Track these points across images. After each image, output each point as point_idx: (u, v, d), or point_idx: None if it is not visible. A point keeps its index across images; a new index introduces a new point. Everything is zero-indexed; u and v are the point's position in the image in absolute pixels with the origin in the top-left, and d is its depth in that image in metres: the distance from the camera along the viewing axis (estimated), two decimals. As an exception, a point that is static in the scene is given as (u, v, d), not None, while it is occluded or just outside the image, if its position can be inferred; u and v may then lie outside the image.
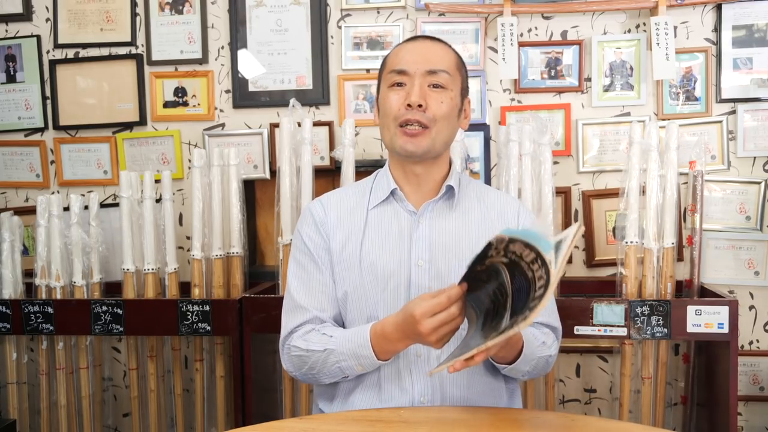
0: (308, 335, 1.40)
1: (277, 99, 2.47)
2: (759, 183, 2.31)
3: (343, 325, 1.47)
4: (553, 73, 2.38)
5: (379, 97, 1.45)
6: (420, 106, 1.35)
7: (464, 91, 1.45)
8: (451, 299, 1.17)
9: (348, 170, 2.14)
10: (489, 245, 1.09)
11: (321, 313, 1.43)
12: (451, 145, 1.47)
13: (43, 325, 2.19)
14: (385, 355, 1.32)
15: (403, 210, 1.44)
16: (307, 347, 1.38)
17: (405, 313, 1.23)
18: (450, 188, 1.44)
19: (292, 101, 2.20)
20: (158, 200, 2.27)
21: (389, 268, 1.40)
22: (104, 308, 2.16)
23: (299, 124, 2.21)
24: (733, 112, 2.33)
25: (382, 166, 1.51)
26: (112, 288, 2.34)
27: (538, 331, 1.44)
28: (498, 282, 1.14)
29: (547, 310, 1.46)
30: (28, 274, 2.35)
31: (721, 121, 2.33)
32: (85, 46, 2.54)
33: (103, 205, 2.41)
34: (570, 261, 2.40)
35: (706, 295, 2.10)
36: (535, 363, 1.38)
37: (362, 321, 1.41)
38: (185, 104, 2.51)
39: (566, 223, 2.38)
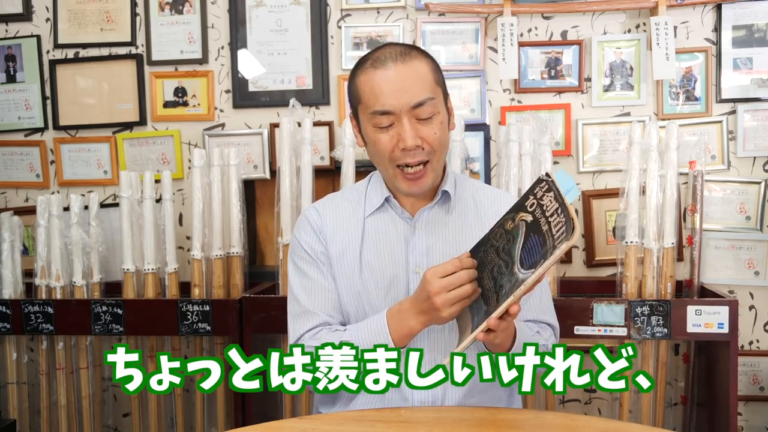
0: (319, 334, 1.38)
1: (277, 99, 2.47)
2: (759, 183, 2.31)
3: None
4: (553, 73, 2.38)
5: (362, 131, 1.38)
6: (417, 145, 1.30)
7: (446, 96, 1.39)
8: (462, 262, 1.19)
9: (348, 170, 2.15)
10: (538, 181, 1.15)
11: (330, 318, 1.41)
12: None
13: (43, 325, 2.19)
14: (400, 340, 1.29)
15: (398, 217, 1.42)
16: (320, 344, 1.33)
17: (420, 283, 1.24)
18: (445, 193, 1.42)
19: (292, 101, 2.20)
20: (158, 200, 2.27)
21: (388, 276, 1.39)
22: (104, 308, 2.16)
23: (299, 124, 2.21)
24: (733, 112, 2.33)
25: None
26: (112, 288, 2.34)
27: (534, 323, 1.44)
28: (506, 251, 1.16)
29: (543, 308, 1.45)
30: (28, 274, 2.35)
31: (721, 121, 2.33)
32: (85, 46, 2.54)
33: (103, 205, 2.41)
34: (570, 261, 2.40)
35: (706, 295, 2.10)
36: None
37: None
38: (185, 104, 2.51)
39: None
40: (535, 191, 1.16)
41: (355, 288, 1.40)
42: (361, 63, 1.36)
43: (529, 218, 1.15)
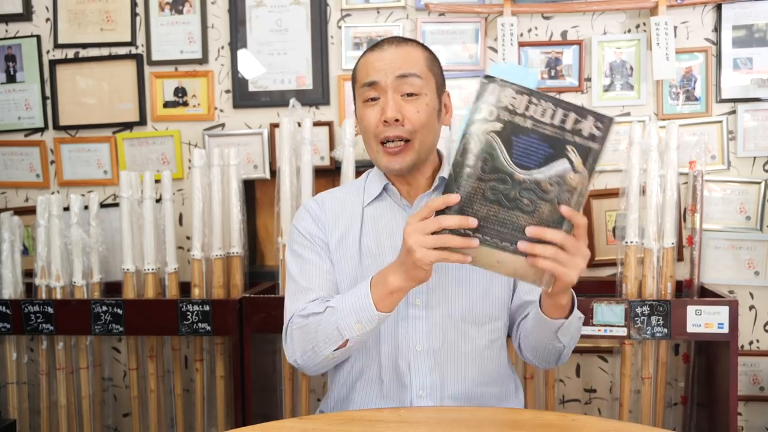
0: (308, 306, 1.36)
1: (277, 99, 2.47)
2: (759, 183, 2.31)
3: None
4: (553, 73, 2.38)
5: (357, 112, 1.42)
6: (397, 120, 1.32)
7: (440, 88, 1.40)
8: (431, 206, 1.11)
9: (348, 170, 2.15)
10: (482, 86, 1.05)
11: (327, 296, 1.39)
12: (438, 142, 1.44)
13: (43, 325, 2.19)
14: (380, 300, 1.23)
15: (396, 204, 1.43)
16: (307, 313, 1.34)
17: None
18: (443, 179, 1.41)
19: (292, 101, 2.20)
20: (158, 200, 2.27)
21: (387, 263, 1.36)
22: (104, 308, 2.16)
23: (299, 124, 2.21)
24: (733, 112, 2.33)
25: None
26: (112, 288, 2.34)
27: None
28: (490, 170, 1.07)
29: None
30: (28, 274, 2.35)
31: (721, 121, 2.33)
32: (85, 46, 2.54)
33: (103, 205, 2.41)
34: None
35: (706, 295, 2.11)
36: (574, 333, 1.32)
37: None
38: (185, 104, 2.51)
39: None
40: (485, 99, 1.05)
41: (354, 275, 1.40)
42: (364, 52, 1.42)
43: (498, 126, 1.05)
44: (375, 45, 1.39)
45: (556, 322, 1.26)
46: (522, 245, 1.07)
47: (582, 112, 1.04)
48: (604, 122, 1.04)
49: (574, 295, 1.26)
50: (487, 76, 1.06)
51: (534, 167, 1.06)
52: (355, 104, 1.44)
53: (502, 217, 1.08)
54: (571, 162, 1.06)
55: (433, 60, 1.41)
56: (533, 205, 1.06)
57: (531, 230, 1.07)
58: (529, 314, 1.37)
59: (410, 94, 1.34)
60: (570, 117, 1.04)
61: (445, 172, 1.43)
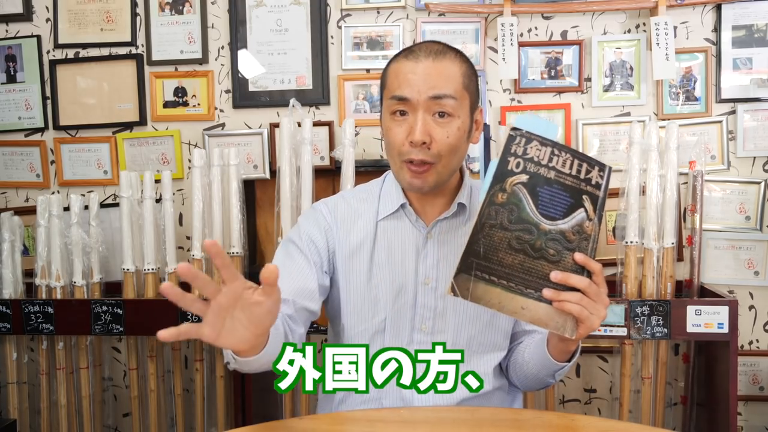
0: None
1: (277, 99, 2.47)
2: (759, 183, 2.32)
3: (333, 330, 1.44)
4: (553, 73, 2.38)
5: (382, 119, 1.35)
6: (424, 143, 1.26)
7: (474, 105, 1.36)
8: None
9: (348, 170, 2.14)
10: (510, 138, 1.08)
11: (292, 299, 1.33)
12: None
13: (43, 325, 2.19)
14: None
15: (412, 225, 1.38)
16: None
17: None
18: (461, 205, 1.38)
19: (292, 101, 2.20)
20: (158, 200, 2.27)
21: (397, 284, 1.36)
22: (104, 308, 2.16)
23: (299, 124, 2.21)
24: (733, 112, 2.33)
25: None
26: (112, 288, 2.34)
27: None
28: (516, 221, 1.08)
29: None
30: (28, 274, 2.35)
31: (721, 121, 2.33)
32: (85, 46, 2.54)
33: (103, 205, 2.41)
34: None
35: (706, 295, 2.11)
36: (567, 371, 1.35)
37: (368, 335, 1.38)
38: (185, 104, 2.51)
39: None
40: (512, 151, 1.09)
41: (362, 293, 1.38)
42: (397, 54, 1.36)
43: (524, 178, 1.09)
44: (410, 51, 1.32)
45: (559, 364, 1.28)
46: (547, 292, 1.09)
47: (590, 161, 1.08)
48: (605, 170, 1.08)
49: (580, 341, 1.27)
50: (514, 128, 1.08)
51: (559, 217, 1.09)
52: (381, 107, 1.38)
53: (528, 266, 1.09)
54: (586, 211, 1.09)
55: (470, 75, 1.34)
56: (559, 255, 1.09)
57: (556, 275, 1.08)
58: (523, 344, 1.38)
59: (442, 115, 1.28)
60: (583, 167, 1.08)
61: (464, 196, 1.39)
